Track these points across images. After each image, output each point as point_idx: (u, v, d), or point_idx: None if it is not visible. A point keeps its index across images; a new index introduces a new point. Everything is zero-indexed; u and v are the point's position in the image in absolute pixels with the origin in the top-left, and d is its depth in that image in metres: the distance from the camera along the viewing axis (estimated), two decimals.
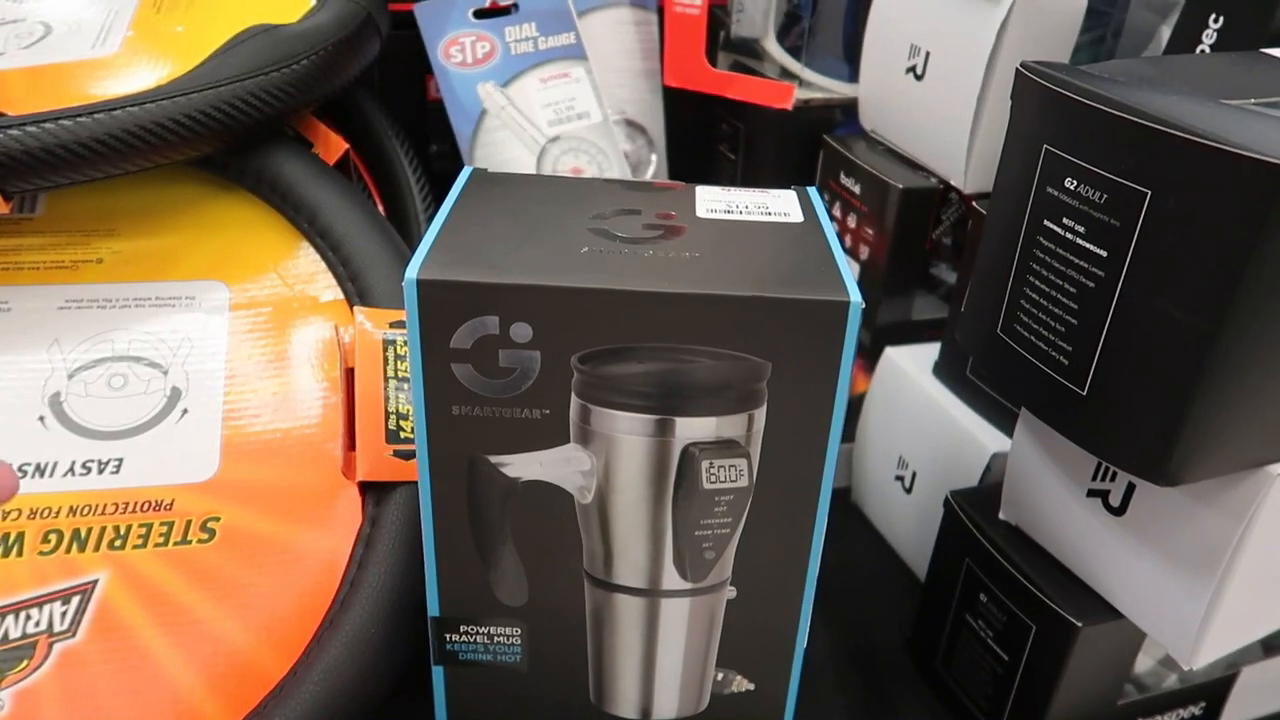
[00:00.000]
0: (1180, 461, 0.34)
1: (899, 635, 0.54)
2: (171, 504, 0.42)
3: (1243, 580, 0.37)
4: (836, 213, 0.62)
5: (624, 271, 0.33)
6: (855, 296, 0.33)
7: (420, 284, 0.32)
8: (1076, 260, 0.35)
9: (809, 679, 0.43)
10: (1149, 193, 0.32)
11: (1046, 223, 0.36)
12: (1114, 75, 0.36)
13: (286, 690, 0.39)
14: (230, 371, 0.46)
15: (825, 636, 0.53)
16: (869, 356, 0.61)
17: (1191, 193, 0.31)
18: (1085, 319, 0.35)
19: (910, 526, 0.59)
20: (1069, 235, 0.35)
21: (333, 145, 0.55)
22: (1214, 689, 0.48)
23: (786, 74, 0.65)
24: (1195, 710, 0.49)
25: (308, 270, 0.50)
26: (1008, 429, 0.50)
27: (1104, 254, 0.34)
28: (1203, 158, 0.30)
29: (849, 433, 0.63)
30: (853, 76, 0.63)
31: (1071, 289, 0.36)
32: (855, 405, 0.62)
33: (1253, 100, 0.35)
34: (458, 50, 0.63)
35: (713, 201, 0.40)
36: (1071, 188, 0.35)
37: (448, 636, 0.40)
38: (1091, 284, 0.35)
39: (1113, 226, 0.34)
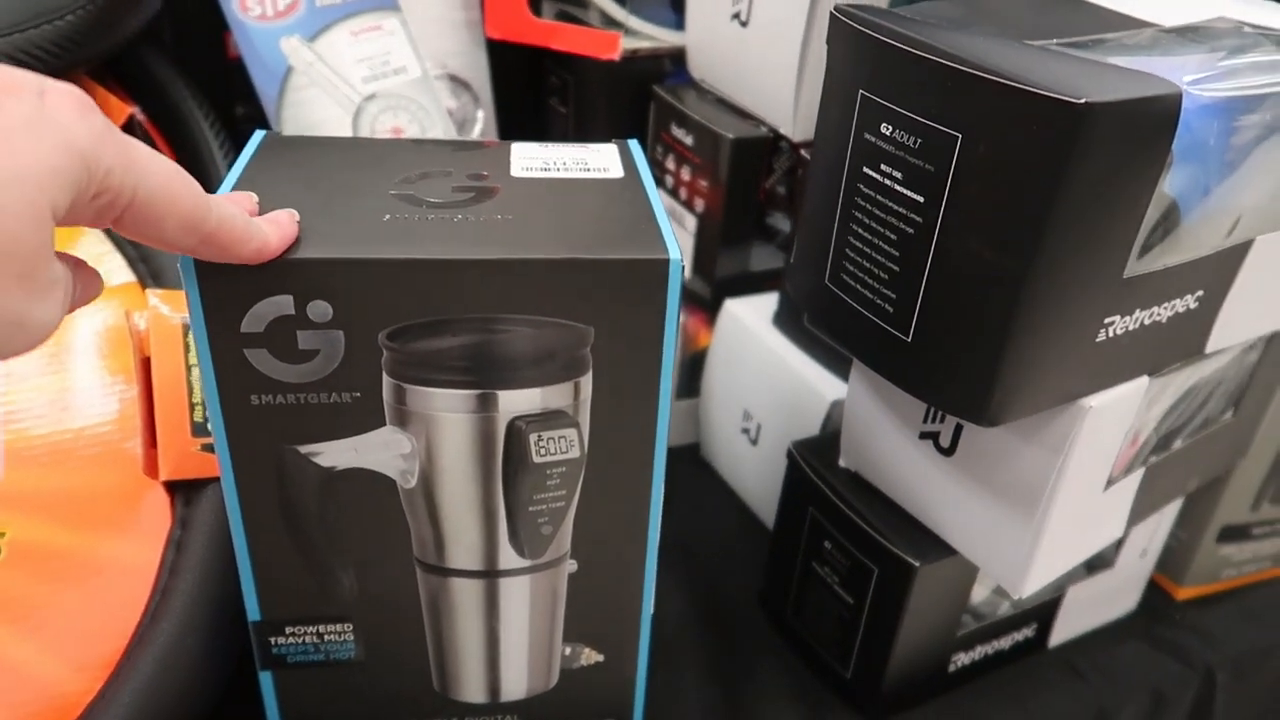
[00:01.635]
0: (1000, 401, 0.35)
1: (753, 589, 0.54)
2: None
3: (1063, 510, 0.39)
4: (670, 165, 0.60)
5: (431, 239, 0.31)
6: (675, 253, 0.31)
7: (199, 264, 0.29)
8: (895, 207, 0.35)
9: (662, 643, 0.43)
10: (959, 136, 0.32)
11: (866, 170, 0.36)
12: (925, 17, 0.36)
13: (95, 715, 0.35)
14: (6, 369, 0.41)
15: (679, 597, 0.53)
16: (710, 310, 0.60)
17: (998, 134, 0.31)
18: (906, 266, 0.35)
19: (759, 479, 0.59)
20: (887, 182, 0.35)
21: (114, 109, 0.50)
22: (1043, 611, 0.51)
23: (612, 23, 0.63)
24: (1029, 632, 0.51)
25: (94, 251, 0.45)
26: (847, 376, 0.51)
27: (921, 199, 0.34)
28: (1006, 99, 0.30)
29: (695, 388, 0.63)
30: (680, 24, 0.61)
31: (892, 236, 0.36)
32: (699, 360, 0.62)
33: (1055, 41, 0.35)
34: (256, 2, 0.58)
35: (529, 159, 0.38)
36: (887, 133, 0.35)
37: (273, 640, 0.37)
38: (911, 230, 0.35)
39: (927, 171, 0.33)
